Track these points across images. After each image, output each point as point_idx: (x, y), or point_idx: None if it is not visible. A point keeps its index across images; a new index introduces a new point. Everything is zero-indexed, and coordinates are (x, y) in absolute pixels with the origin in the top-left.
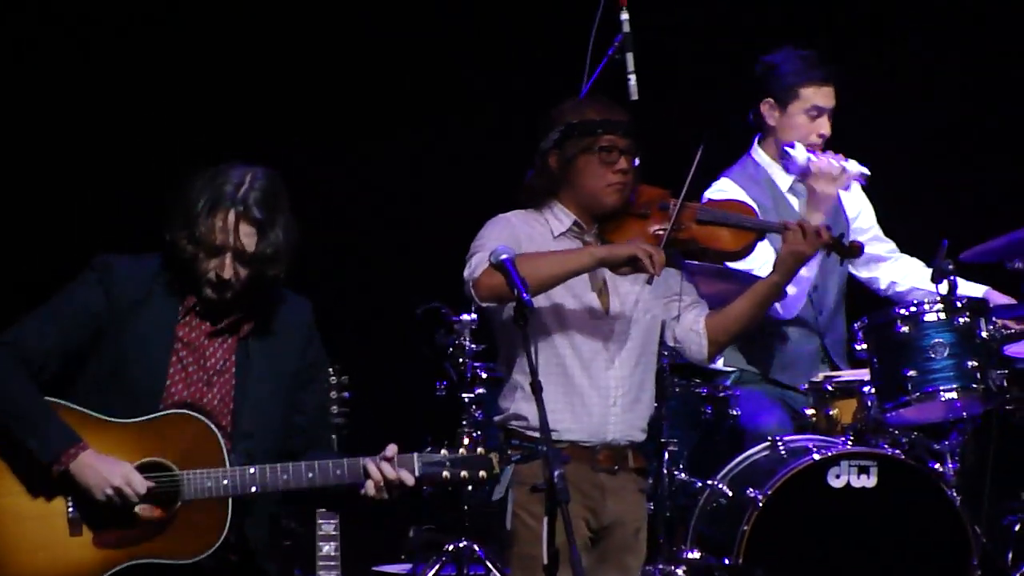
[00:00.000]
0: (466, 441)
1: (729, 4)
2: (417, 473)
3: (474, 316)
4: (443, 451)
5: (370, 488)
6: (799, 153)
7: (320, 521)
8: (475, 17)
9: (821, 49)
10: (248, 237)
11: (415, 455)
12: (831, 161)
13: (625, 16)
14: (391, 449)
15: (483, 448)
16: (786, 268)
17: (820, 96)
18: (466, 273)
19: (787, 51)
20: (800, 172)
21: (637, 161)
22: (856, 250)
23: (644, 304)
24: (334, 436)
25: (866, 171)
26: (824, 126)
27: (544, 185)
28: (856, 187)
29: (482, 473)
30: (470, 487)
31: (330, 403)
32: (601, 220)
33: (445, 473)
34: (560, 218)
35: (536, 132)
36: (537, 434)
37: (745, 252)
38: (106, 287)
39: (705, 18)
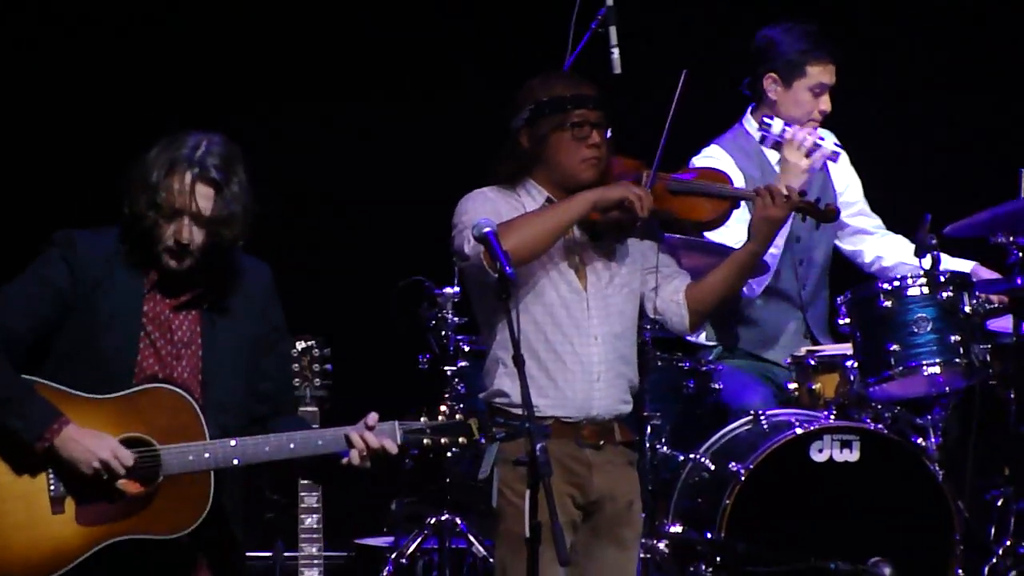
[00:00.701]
0: (444, 409)
1: None
2: (399, 441)
3: (457, 289)
4: (423, 419)
5: (354, 457)
6: (775, 124)
7: (302, 494)
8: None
9: (811, 22)
10: (205, 200)
11: (396, 423)
12: (806, 135)
13: None
14: (372, 417)
15: (461, 415)
16: (761, 235)
17: (825, 74)
18: (467, 249)
19: (791, 25)
20: (773, 143)
21: (609, 133)
22: (831, 214)
23: (621, 279)
24: (315, 409)
25: (839, 151)
26: (826, 103)
27: (516, 164)
28: (845, 161)
29: (462, 439)
30: (451, 453)
31: (292, 367)
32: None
33: (426, 440)
34: (533, 195)
35: (505, 110)
36: (521, 410)
37: (719, 221)
38: (70, 263)
39: None
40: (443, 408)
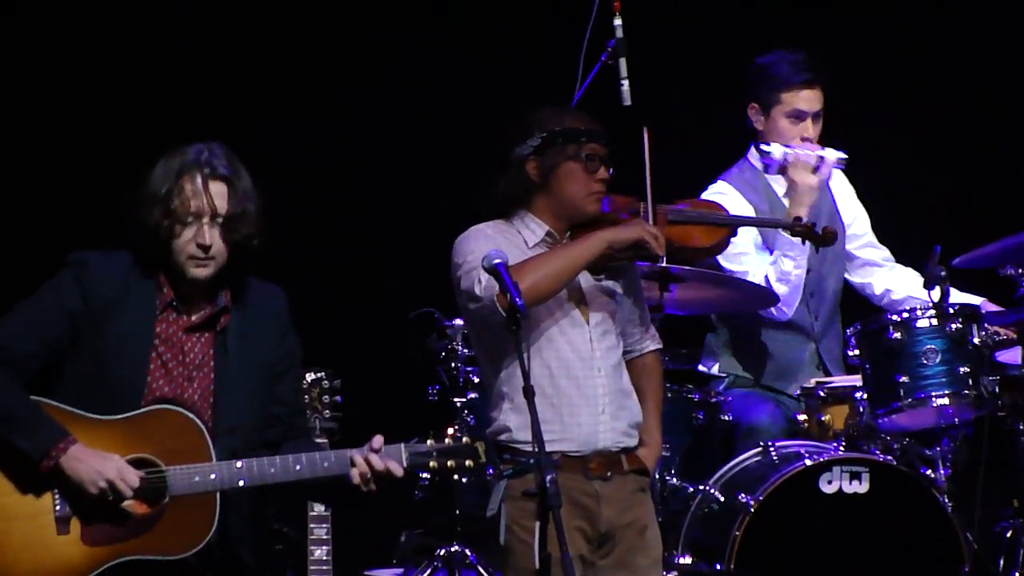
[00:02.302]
0: (451, 432)
1: (722, 10)
2: (405, 464)
3: None
4: (429, 441)
5: (355, 477)
6: (775, 149)
7: (312, 525)
8: (469, 21)
9: (813, 51)
10: (220, 198)
11: (402, 446)
12: (808, 151)
13: (618, 22)
14: (377, 440)
15: (468, 437)
16: None
17: (801, 100)
18: (478, 290)
19: (776, 54)
20: (779, 168)
21: (611, 171)
22: (830, 236)
23: (621, 309)
24: (325, 441)
25: (844, 155)
26: (807, 129)
27: (518, 193)
28: (851, 194)
29: (469, 462)
30: (458, 476)
31: (304, 392)
32: (573, 229)
33: (433, 463)
34: (532, 228)
35: (507, 139)
36: (527, 446)
37: (720, 247)
38: (83, 285)
39: (699, 23)
40: (450, 431)
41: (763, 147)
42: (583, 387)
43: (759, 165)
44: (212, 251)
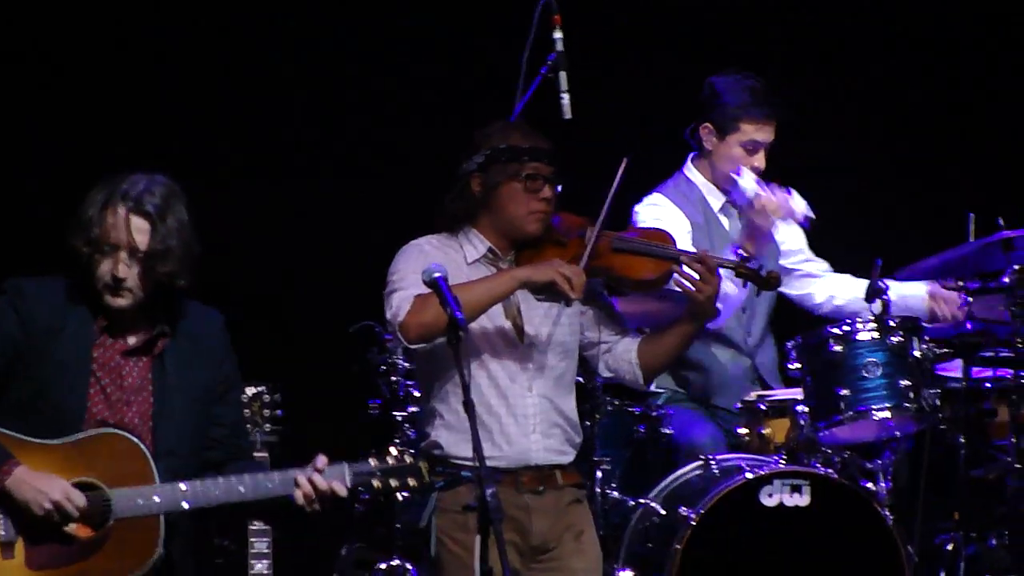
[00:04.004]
0: (394, 451)
1: (662, 24)
2: (349, 483)
3: None
4: (372, 460)
5: (299, 498)
6: (748, 184)
7: (252, 539)
8: (408, 33)
9: (756, 76)
10: (140, 233)
11: (345, 465)
12: (779, 198)
13: (559, 35)
14: (321, 460)
15: (411, 457)
16: (698, 312)
17: (760, 132)
18: (389, 314)
19: (735, 78)
20: (745, 203)
21: (559, 189)
22: (774, 281)
23: (559, 335)
24: (266, 455)
25: (811, 214)
26: (759, 160)
27: (463, 209)
28: (796, 197)
29: (412, 481)
30: (401, 495)
31: (244, 406)
32: (519, 248)
33: (376, 483)
34: (475, 244)
35: (457, 154)
36: (459, 460)
37: (661, 281)
38: (19, 311)
39: (639, 36)
40: (394, 451)
41: (733, 175)
42: (513, 405)
43: (697, 180)
44: (127, 284)
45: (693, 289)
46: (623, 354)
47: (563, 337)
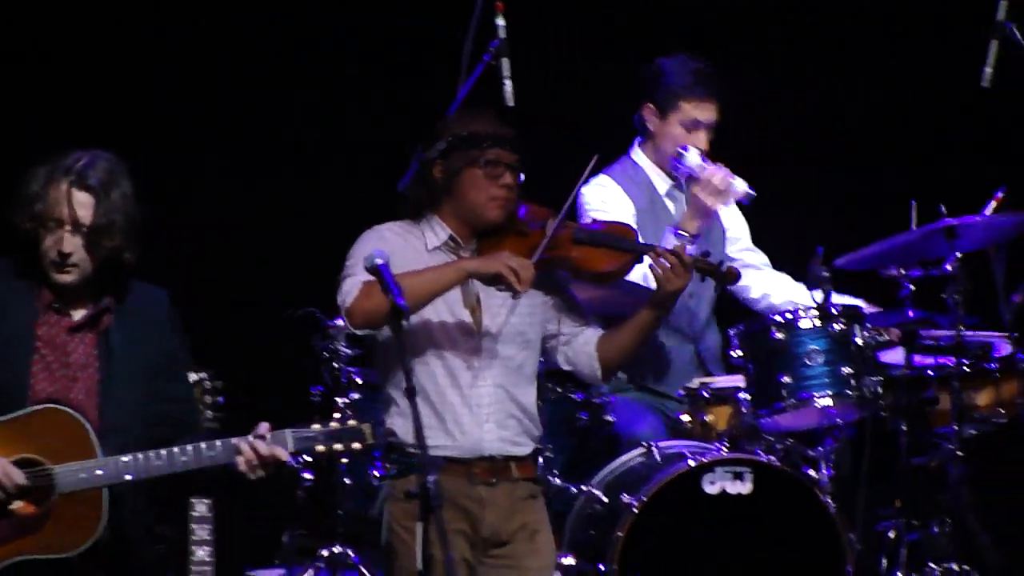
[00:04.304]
0: (336, 415)
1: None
2: (291, 448)
3: None
4: (315, 425)
5: (241, 464)
6: (692, 157)
7: (193, 525)
8: (351, 21)
9: (698, 54)
10: (83, 208)
11: (288, 431)
12: (721, 174)
13: (501, 22)
14: (263, 427)
15: (354, 420)
16: (666, 304)
17: (700, 111)
18: (339, 299)
19: (678, 59)
20: (687, 175)
21: (522, 178)
22: (733, 277)
23: (519, 324)
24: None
25: (752, 192)
26: (701, 140)
27: (424, 196)
28: (739, 180)
29: (356, 444)
30: (345, 459)
31: (195, 391)
32: (481, 236)
33: (319, 447)
34: (436, 231)
35: (419, 141)
36: (413, 448)
37: (620, 273)
38: None
39: (584, 23)
40: (336, 415)
41: (680, 150)
42: (467, 394)
43: (643, 163)
44: (73, 259)
45: (664, 280)
46: (583, 346)
47: (523, 327)
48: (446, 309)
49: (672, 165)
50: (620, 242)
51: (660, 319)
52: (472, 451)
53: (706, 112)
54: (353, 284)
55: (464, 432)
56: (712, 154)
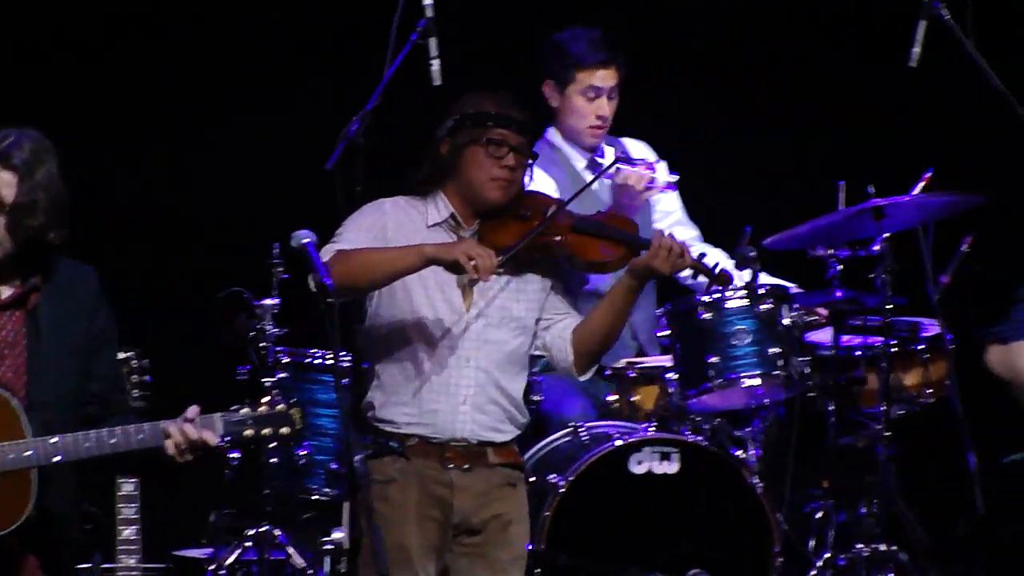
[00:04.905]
0: (266, 400)
1: None
2: (220, 432)
3: (276, 300)
4: (244, 409)
5: (170, 448)
6: (608, 158)
7: (120, 505)
8: (278, 3)
9: (615, 29)
10: (6, 187)
11: (217, 415)
12: (640, 173)
13: (428, 0)
14: (192, 410)
15: (284, 405)
16: (642, 278)
17: (597, 78)
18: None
19: (571, 32)
20: (608, 179)
21: (532, 163)
22: (725, 279)
23: (513, 310)
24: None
25: (674, 179)
26: (603, 107)
27: (431, 173)
28: (663, 170)
29: (284, 429)
30: (274, 444)
31: (123, 369)
32: (484, 217)
33: (248, 431)
34: (440, 208)
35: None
36: (385, 426)
37: (616, 265)
38: None
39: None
40: (265, 398)
41: (597, 159)
42: (447, 374)
43: (558, 142)
44: None
45: (655, 257)
46: (561, 332)
47: (519, 313)
48: (436, 288)
49: (584, 149)
50: (619, 234)
51: (634, 295)
52: (444, 431)
53: (603, 79)
54: (329, 251)
55: (438, 413)
56: (639, 130)
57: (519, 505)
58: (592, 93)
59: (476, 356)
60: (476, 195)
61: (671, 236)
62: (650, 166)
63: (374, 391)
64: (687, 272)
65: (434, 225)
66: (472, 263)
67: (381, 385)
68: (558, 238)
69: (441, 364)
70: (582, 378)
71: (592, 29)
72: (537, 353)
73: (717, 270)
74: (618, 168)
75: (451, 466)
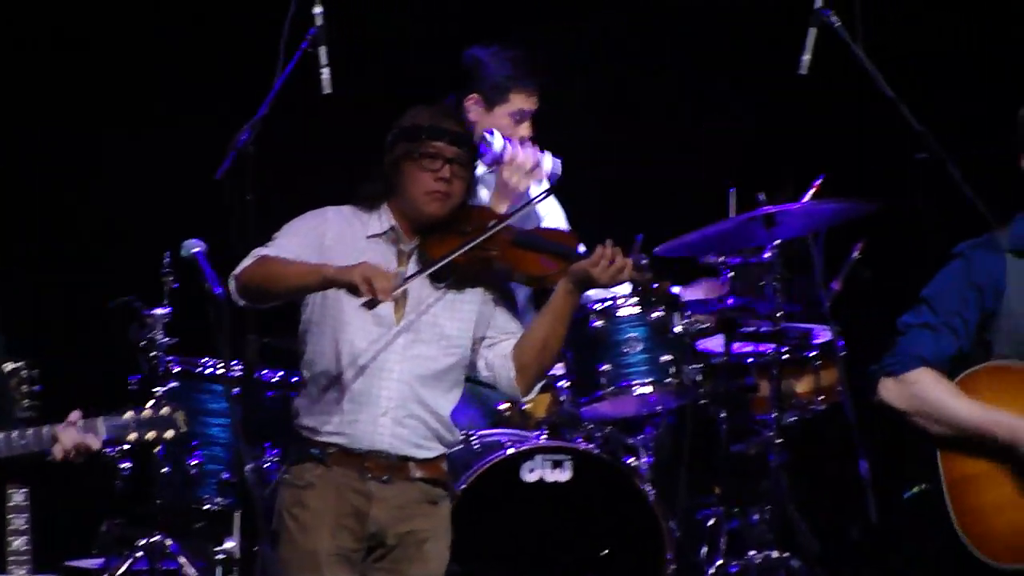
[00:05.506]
0: (151, 403)
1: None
2: (104, 436)
3: (167, 310)
4: (128, 413)
5: (57, 452)
6: (496, 141)
7: (10, 515)
8: (167, 14)
9: (519, 47)
10: None
11: (100, 418)
12: (528, 154)
13: (319, 9)
14: (75, 415)
15: (169, 408)
16: (582, 286)
17: (527, 101)
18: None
19: (499, 49)
20: (493, 160)
21: (480, 173)
22: (663, 295)
23: (446, 327)
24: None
25: (558, 171)
26: (526, 128)
27: (373, 186)
28: (547, 157)
29: (169, 432)
30: (158, 447)
31: (12, 381)
32: (425, 231)
33: (132, 435)
34: (381, 220)
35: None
36: (308, 433)
37: (555, 278)
38: None
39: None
40: (150, 403)
41: (485, 134)
42: (368, 385)
43: None
44: None
45: (598, 268)
46: (504, 349)
47: (451, 331)
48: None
49: (478, 150)
50: (558, 247)
51: (573, 304)
52: (364, 443)
53: (532, 102)
54: (255, 254)
55: (357, 423)
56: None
57: (438, 523)
58: (519, 116)
59: (400, 369)
60: (414, 209)
61: (616, 248)
62: (535, 149)
63: (301, 397)
64: (625, 287)
65: (373, 236)
66: (367, 286)
67: (307, 392)
68: (495, 252)
69: (364, 375)
70: (526, 398)
71: (522, 49)
72: (483, 375)
73: (657, 285)
74: (506, 148)
75: (370, 476)
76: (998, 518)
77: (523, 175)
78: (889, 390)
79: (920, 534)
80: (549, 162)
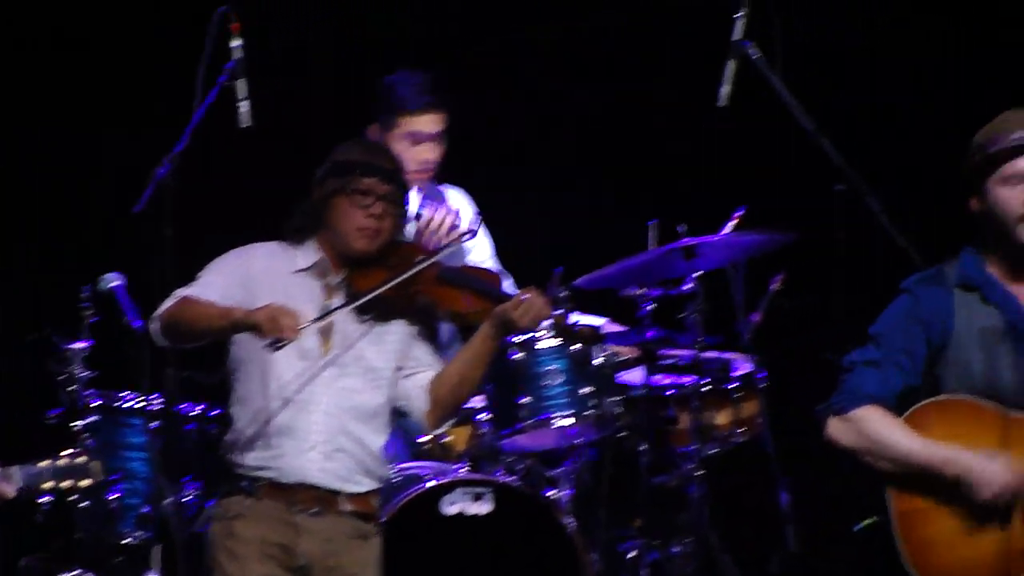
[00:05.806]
0: (67, 452)
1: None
2: (21, 484)
3: (86, 343)
4: (44, 462)
5: None
6: (411, 206)
7: None
8: (82, 42)
9: (442, 71)
10: None
11: (16, 467)
12: (443, 218)
13: (237, 42)
14: None
15: (84, 457)
16: (502, 331)
17: (421, 123)
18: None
19: (401, 74)
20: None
21: (414, 214)
22: (586, 336)
23: (374, 355)
24: None
25: (472, 231)
26: (426, 152)
27: (301, 220)
28: (472, 215)
29: (85, 481)
30: (74, 496)
31: None
32: (353, 265)
33: (48, 483)
34: (308, 254)
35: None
36: (240, 469)
37: (479, 316)
38: None
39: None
40: (68, 451)
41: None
42: (297, 418)
43: None
44: None
45: (519, 313)
46: (419, 382)
47: (376, 363)
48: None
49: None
50: (483, 285)
51: (492, 346)
52: (293, 476)
53: (428, 123)
54: (177, 295)
55: (284, 456)
56: (450, 171)
57: (367, 557)
58: (415, 138)
59: (327, 402)
60: (343, 244)
61: (538, 294)
62: (451, 212)
63: (230, 432)
64: (547, 331)
65: (298, 271)
66: (273, 324)
67: (236, 426)
68: (421, 288)
69: (292, 408)
70: (431, 432)
71: (419, 73)
72: (398, 403)
73: (577, 327)
74: (419, 215)
75: (299, 509)
76: (947, 551)
77: (442, 235)
78: (836, 429)
79: (868, 567)
80: (468, 212)
